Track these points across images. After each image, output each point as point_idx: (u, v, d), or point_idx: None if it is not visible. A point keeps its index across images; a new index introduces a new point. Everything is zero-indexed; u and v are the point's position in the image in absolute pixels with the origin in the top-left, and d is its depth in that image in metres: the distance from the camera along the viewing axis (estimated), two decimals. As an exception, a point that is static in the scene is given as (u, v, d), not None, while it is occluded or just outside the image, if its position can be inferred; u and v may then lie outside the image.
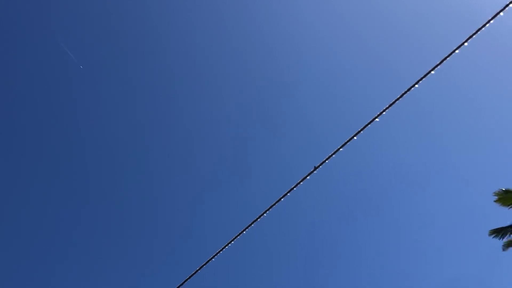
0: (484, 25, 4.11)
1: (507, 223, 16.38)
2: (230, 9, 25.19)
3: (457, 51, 4.24)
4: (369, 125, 4.56)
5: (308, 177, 4.81)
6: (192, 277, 5.23)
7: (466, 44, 4.21)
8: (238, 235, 5.02)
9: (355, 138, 4.61)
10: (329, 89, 25.60)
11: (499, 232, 16.29)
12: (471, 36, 4.18)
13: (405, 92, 4.42)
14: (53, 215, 24.47)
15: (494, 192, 16.31)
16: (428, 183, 25.69)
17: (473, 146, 25.07)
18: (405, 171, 25.39)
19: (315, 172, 4.80)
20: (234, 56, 25.84)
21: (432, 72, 4.31)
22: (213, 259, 5.12)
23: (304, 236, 25.49)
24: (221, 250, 5.09)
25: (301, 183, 4.80)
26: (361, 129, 4.57)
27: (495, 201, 16.33)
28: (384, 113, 4.53)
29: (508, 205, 16.19)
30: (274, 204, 4.89)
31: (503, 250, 16.27)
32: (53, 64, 23.90)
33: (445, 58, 4.25)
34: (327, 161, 4.75)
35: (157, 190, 25.59)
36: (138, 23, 24.81)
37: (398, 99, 4.45)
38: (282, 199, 4.89)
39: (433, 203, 24.84)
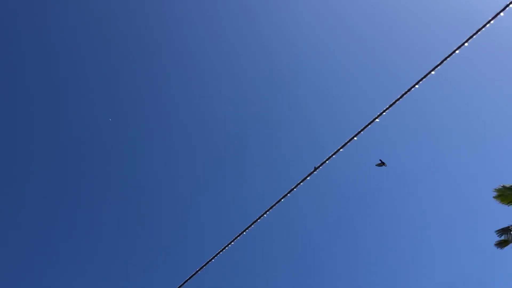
0: (484, 26, 4.11)
1: (507, 222, 15.97)
2: (229, 8, 25.21)
3: (457, 52, 4.24)
4: (369, 126, 4.56)
5: (308, 178, 4.81)
6: (192, 278, 5.22)
7: (466, 44, 4.21)
8: (238, 236, 5.02)
9: (355, 138, 4.62)
10: (329, 90, 25.62)
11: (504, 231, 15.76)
12: (471, 37, 4.18)
13: (405, 93, 4.42)
14: (51, 215, 24.49)
15: (494, 189, 15.54)
16: (428, 183, 25.71)
17: (473, 147, 25.09)
18: (405, 172, 25.40)
19: (315, 172, 4.81)
20: (234, 56, 25.86)
21: (432, 72, 4.31)
22: (213, 260, 5.12)
23: (304, 237, 25.50)
24: (221, 251, 5.09)
25: (301, 183, 4.80)
26: (361, 130, 4.57)
27: (494, 197, 15.61)
28: (384, 113, 4.53)
29: (508, 203, 15.68)
30: (275, 205, 4.90)
31: (499, 247, 15.82)
32: (50, 63, 23.93)
33: (445, 59, 4.25)
34: (327, 162, 4.75)
35: (157, 191, 25.60)
36: (133, 22, 24.84)
37: (398, 99, 4.45)
38: (282, 200, 4.90)
39: (433, 204, 24.86)
